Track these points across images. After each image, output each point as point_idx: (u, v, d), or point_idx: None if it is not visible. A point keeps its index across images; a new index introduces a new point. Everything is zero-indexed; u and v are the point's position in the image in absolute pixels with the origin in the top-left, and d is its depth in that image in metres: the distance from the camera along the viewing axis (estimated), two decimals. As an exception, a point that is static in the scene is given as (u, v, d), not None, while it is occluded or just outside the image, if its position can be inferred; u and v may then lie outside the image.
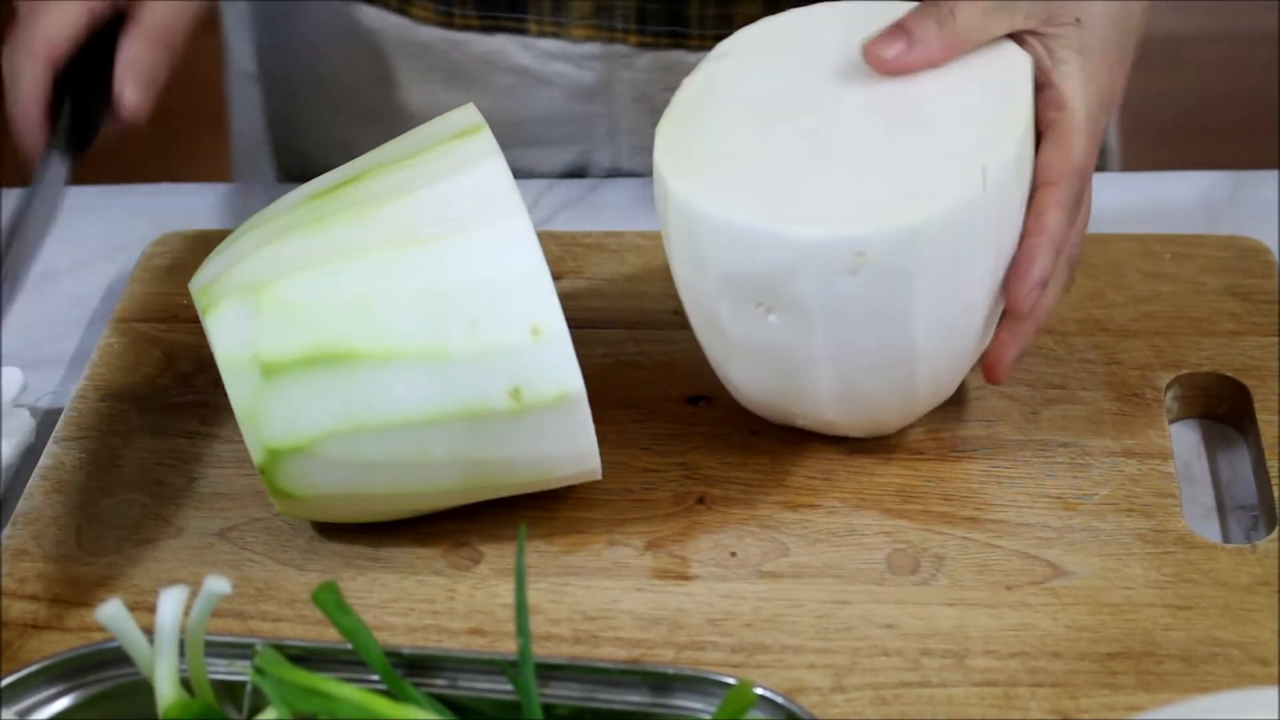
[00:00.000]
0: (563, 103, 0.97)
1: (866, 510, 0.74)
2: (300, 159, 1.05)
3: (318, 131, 1.04)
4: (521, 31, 0.95)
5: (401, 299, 0.68)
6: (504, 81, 0.96)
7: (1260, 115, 2.24)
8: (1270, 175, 0.96)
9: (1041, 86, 0.72)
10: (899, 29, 0.71)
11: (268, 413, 0.68)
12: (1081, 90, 0.72)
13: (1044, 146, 0.72)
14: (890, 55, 0.71)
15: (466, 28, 0.95)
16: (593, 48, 0.95)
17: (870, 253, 0.66)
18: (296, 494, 0.70)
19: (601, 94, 0.96)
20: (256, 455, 0.69)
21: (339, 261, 0.68)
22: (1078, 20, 0.72)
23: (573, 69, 0.95)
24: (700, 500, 0.75)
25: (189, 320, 0.85)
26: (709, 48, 0.91)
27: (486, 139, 0.70)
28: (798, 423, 0.76)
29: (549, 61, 0.95)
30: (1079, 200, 0.72)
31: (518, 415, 0.68)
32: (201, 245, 0.90)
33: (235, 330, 0.69)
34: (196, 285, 0.71)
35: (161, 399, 0.81)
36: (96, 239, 0.94)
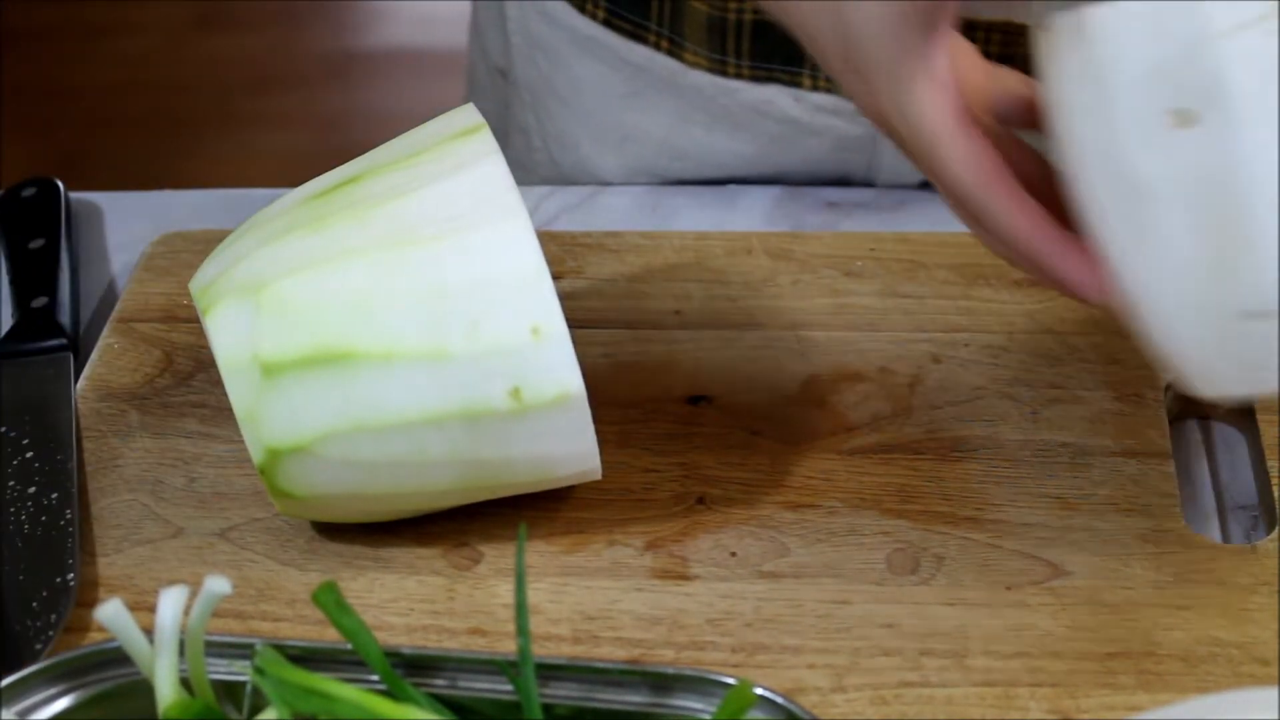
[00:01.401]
0: (828, 152, 0.97)
1: (866, 510, 0.74)
2: (539, 157, 1.05)
3: (556, 137, 1.04)
4: (795, 85, 0.95)
5: (401, 299, 0.68)
6: (772, 130, 0.96)
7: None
8: (1270, 175, 0.96)
9: None
10: (962, 117, 0.66)
11: (268, 413, 0.68)
12: None
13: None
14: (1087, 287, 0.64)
15: (739, 76, 0.95)
16: None
17: None
18: (296, 494, 0.70)
19: (871, 144, 0.96)
20: (256, 455, 0.69)
21: (339, 261, 0.68)
22: None
23: (843, 123, 0.96)
24: (700, 500, 0.75)
25: (189, 320, 0.85)
26: None
27: (486, 139, 0.71)
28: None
29: (820, 115, 0.96)
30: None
31: (518, 415, 0.68)
32: (201, 245, 0.90)
33: (235, 330, 0.69)
34: (196, 285, 0.71)
35: (161, 399, 0.81)
36: (97, 240, 0.94)
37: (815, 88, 0.94)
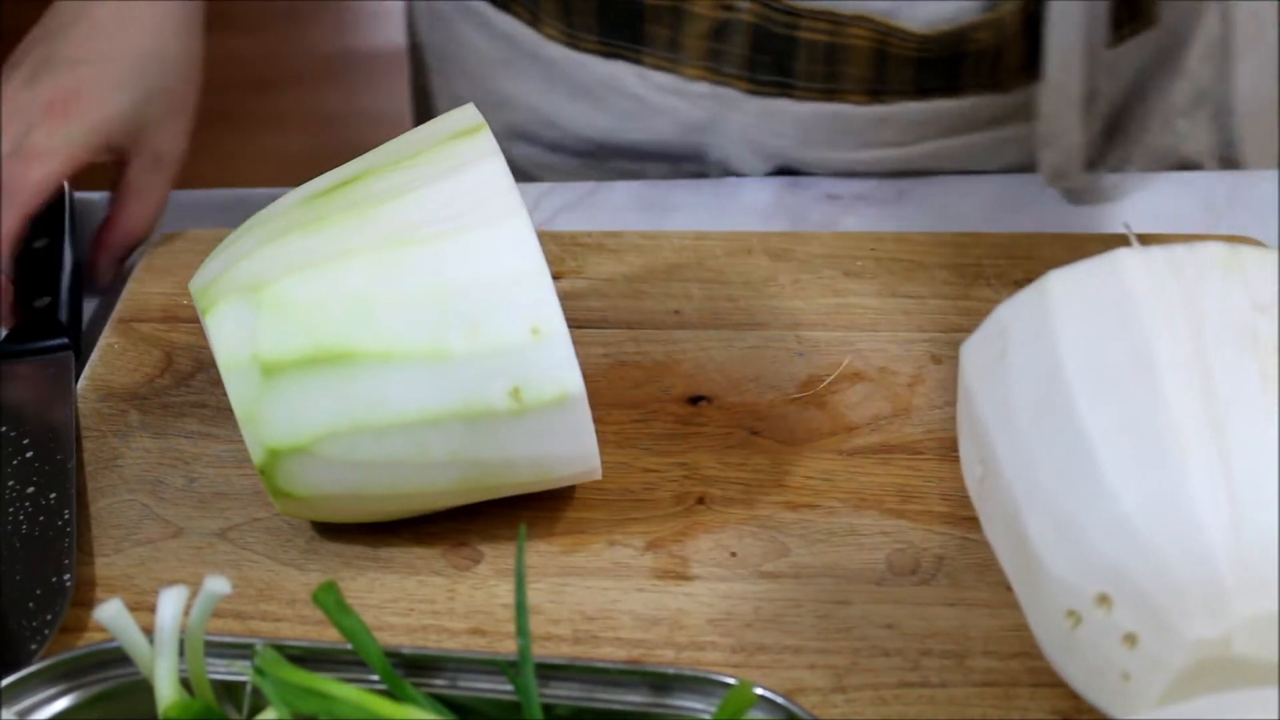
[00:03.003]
0: (675, 133, 0.99)
1: (866, 510, 0.74)
2: None
3: (452, 100, 1.08)
4: (638, 63, 0.97)
5: (401, 299, 0.68)
6: (622, 105, 0.99)
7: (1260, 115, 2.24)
8: (1270, 175, 0.96)
9: None
10: None
11: (268, 413, 0.68)
12: None
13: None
14: None
15: (589, 50, 0.98)
16: (703, 87, 0.97)
17: None
18: (296, 494, 0.70)
19: (711, 131, 0.99)
20: (256, 455, 0.69)
21: (339, 261, 0.68)
22: None
23: (684, 104, 0.98)
24: (700, 500, 0.75)
25: (189, 320, 0.85)
26: (815, 99, 0.95)
27: (486, 139, 0.70)
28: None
29: (661, 94, 0.98)
30: None
31: (518, 415, 0.68)
32: (202, 245, 0.90)
33: (235, 330, 0.69)
34: (196, 285, 0.71)
35: (161, 399, 0.81)
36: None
37: (657, 67, 0.97)
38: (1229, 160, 1.04)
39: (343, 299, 0.68)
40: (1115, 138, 1.02)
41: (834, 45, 0.94)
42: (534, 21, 0.99)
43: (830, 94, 0.96)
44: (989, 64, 0.95)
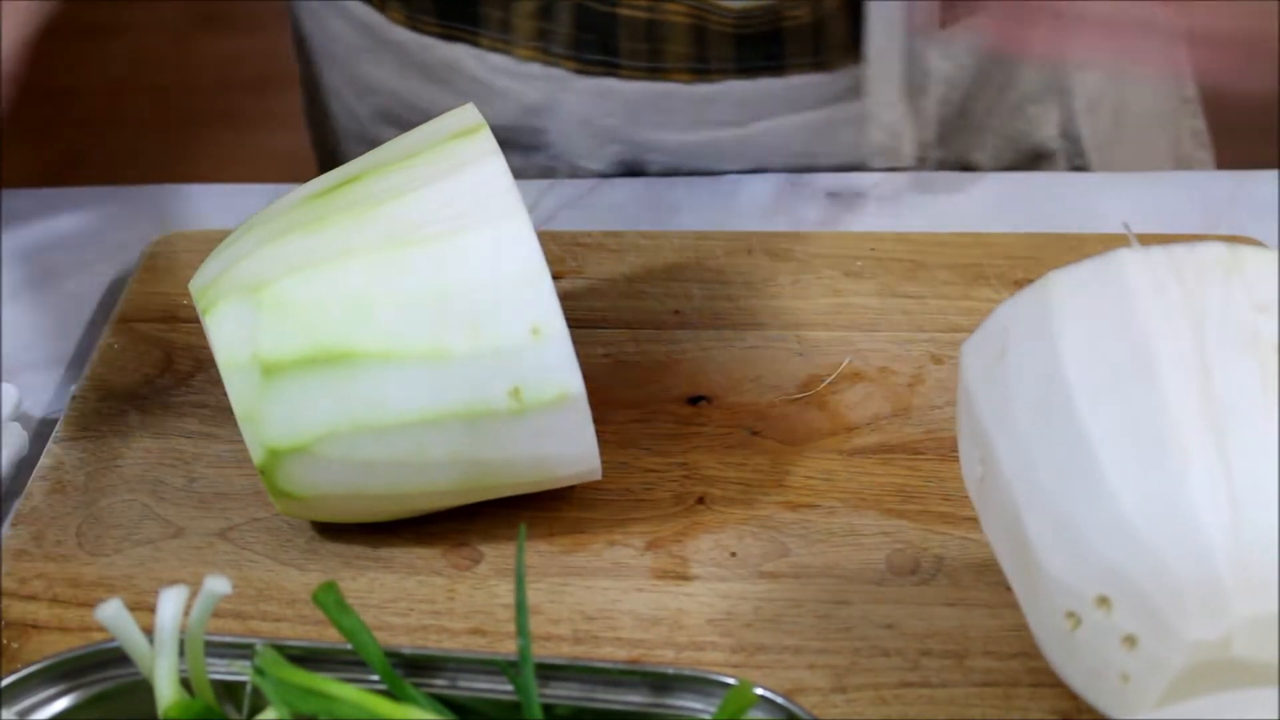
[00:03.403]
0: (516, 115, 1.00)
1: (866, 510, 0.74)
2: (333, 107, 1.10)
3: (332, 91, 1.08)
4: (474, 44, 0.98)
5: (401, 299, 0.68)
6: (466, 88, 0.99)
7: (1260, 115, 2.24)
8: (1270, 175, 0.96)
9: None
10: None
11: (268, 413, 0.68)
12: None
13: None
14: None
15: (430, 33, 0.99)
16: (535, 68, 0.98)
17: None
18: (296, 494, 0.70)
19: (548, 113, 0.99)
20: (256, 455, 0.69)
21: (339, 261, 0.68)
22: None
23: (520, 86, 0.99)
24: (700, 500, 0.75)
25: (189, 320, 0.85)
26: (641, 78, 0.95)
27: (486, 139, 0.71)
28: None
29: (499, 76, 0.99)
30: None
31: (518, 415, 0.68)
32: (201, 245, 0.90)
33: (235, 330, 0.69)
34: (196, 285, 0.71)
35: (161, 399, 0.81)
36: (96, 239, 0.94)
37: (493, 48, 0.97)
38: (1075, 147, 1.04)
39: (343, 299, 0.68)
40: (962, 123, 1.01)
41: (654, 22, 0.94)
42: (381, 6, 1.00)
43: (655, 72, 0.96)
44: (810, 41, 0.95)
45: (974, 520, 0.73)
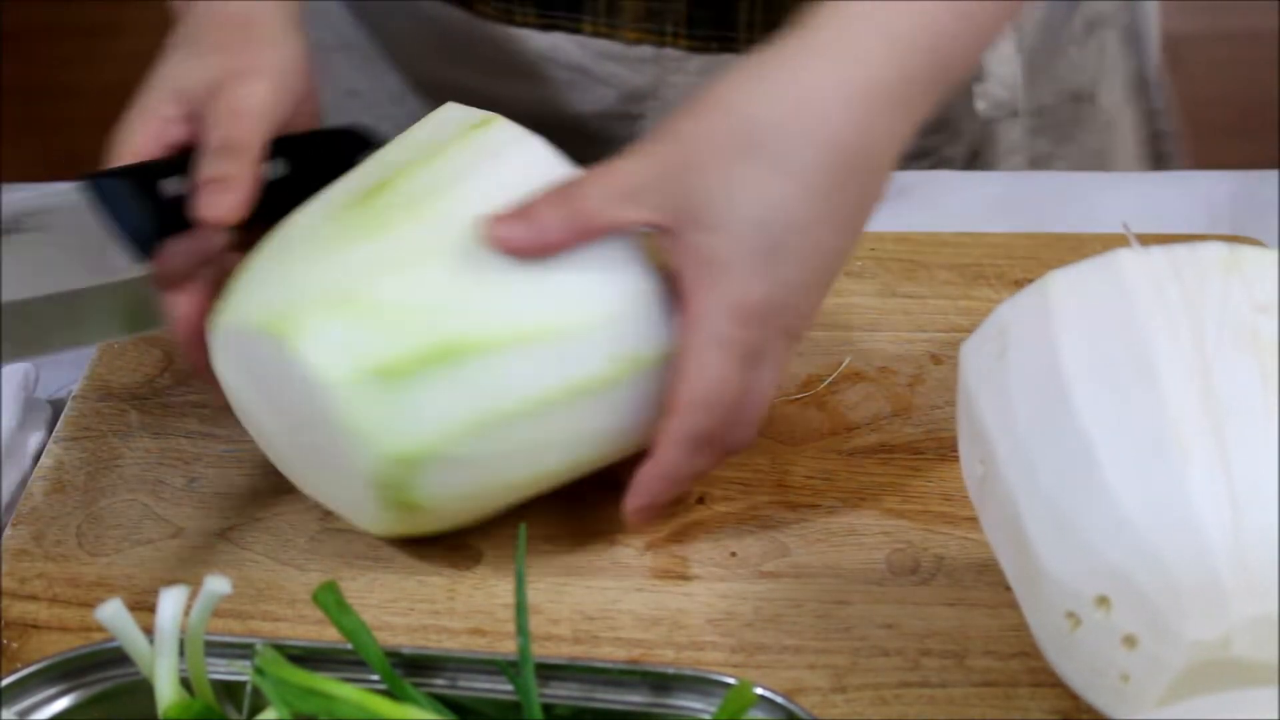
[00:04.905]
0: (616, 102, 0.99)
1: (866, 510, 0.74)
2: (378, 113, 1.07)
3: (390, 95, 1.06)
4: (577, 31, 0.96)
5: (503, 286, 0.67)
6: (563, 77, 0.98)
7: (1260, 115, 2.24)
8: (1270, 175, 0.96)
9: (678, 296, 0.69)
10: (523, 210, 0.68)
11: (392, 421, 0.66)
12: (707, 306, 0.67)
13: (674, 371, 0.68)
14: (503, 236, 0.67)
15: (525, 24, 0.97)
16: (644, 50, 0.96)
17: None
18: (421, 503, 0.68)
19: (652, 97, 0.98)
20: (377, 470, 0.67)
21: (423, 260, 0.67)
22: (708, 226, 0.67)
23: (626, 70, 0.97)
24: (700, 500, 0.75)
25: (189, 320, 0.85)
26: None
27: (509, 125, 0.71)
28: None
29: (603, 61, 0.97)
30: (705, 433, 0.68)
31: (633, 379, 0.68)
32: (201, 245, 0.90)
33: (334, 346, 0.66)
34: (238, 320, 0.69)
35: (161, 399, 0.81)
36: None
37: (596, 34, 0.96)
38: (1142, 86, 1.04)
39: (443, 295, 0.67)
40: (1031, 70, 1.01)
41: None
42: (466, 2, 0.98)
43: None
44: None
45: (974, 520, 0.73)
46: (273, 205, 0.72)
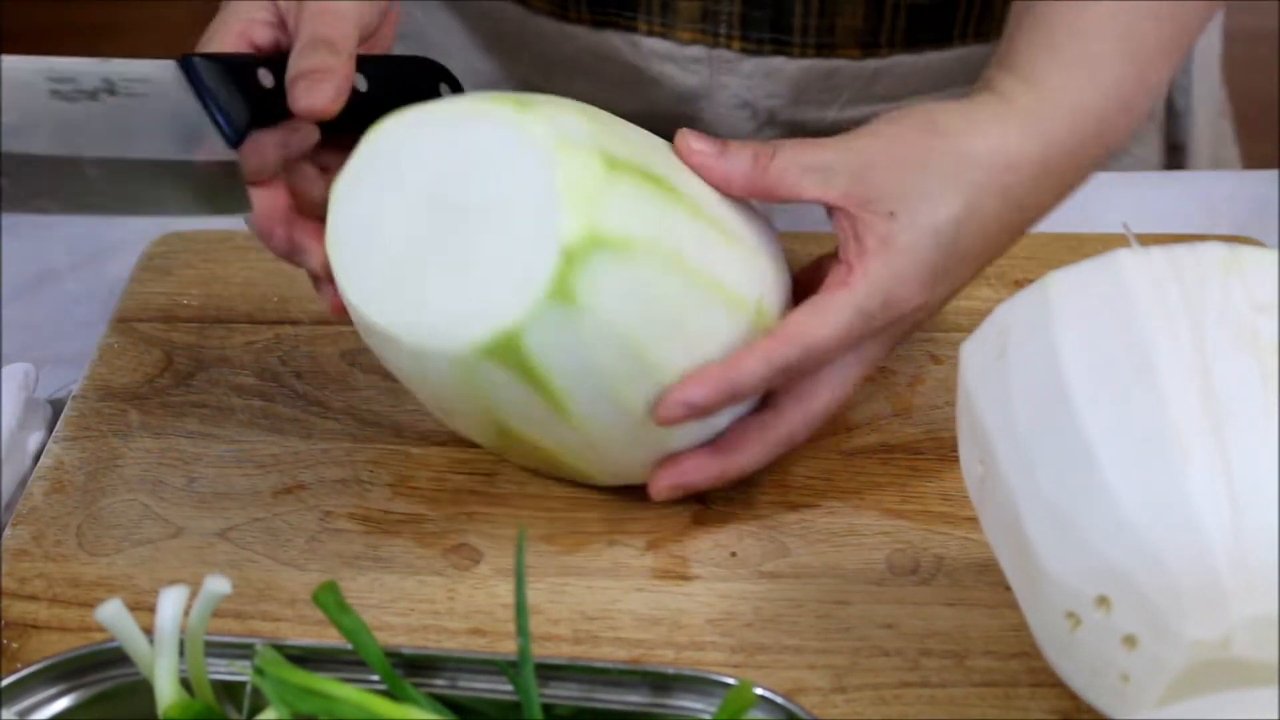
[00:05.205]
0: (667, 102, 0.98)
1: (866, 510, 0.74)
2: None
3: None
4: (631, 30, 0.96)
5: (717, 245, 0.70)
6: (615, 75, 0.98)
7: (1260, 115, 2.24)
8: (1270, 175, 0.96)
9: (838, 261, 0.72)
10: (722, 142, 0.72)
11: (602, 197, 0.67)
12: (869, 280, 0.70)
13: (804, 304, 0.71)
14: (697, 148, 0.72)
15: (579, 21, 0.97)
16: (698, 51, 0.96)
17: None
18: (582, 300, 0.66)
19: (705, 98, 0.98)
20: (570, 235, 0.66)
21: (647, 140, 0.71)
22: (891, 214, 0.70)
23: (678, 71, 0.97)
24: (700, 500, 0.75)
25: (189, 320, 0.85)
26: (810, 55, 0.94)
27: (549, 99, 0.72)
28: None
29: (656, 61, 0.97)
30: (791, 369, 0.70)
31: (749, 324, 0.71)
32: (201, 245, 0.90)
33: (572, 126, 0.68)
34: (446, 106, 0.71)
35: (161, 399, 0.81)
36: (96, 239, 0.94)
37: (650, 33, 0.96)
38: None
39: (659, 163, 0.70)
40: None
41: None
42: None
43: (824, 49, 0.95)
44: (979, 11, 0.95)
45: (974, 520, 0.73)
46: (356, 118, 0.73)
